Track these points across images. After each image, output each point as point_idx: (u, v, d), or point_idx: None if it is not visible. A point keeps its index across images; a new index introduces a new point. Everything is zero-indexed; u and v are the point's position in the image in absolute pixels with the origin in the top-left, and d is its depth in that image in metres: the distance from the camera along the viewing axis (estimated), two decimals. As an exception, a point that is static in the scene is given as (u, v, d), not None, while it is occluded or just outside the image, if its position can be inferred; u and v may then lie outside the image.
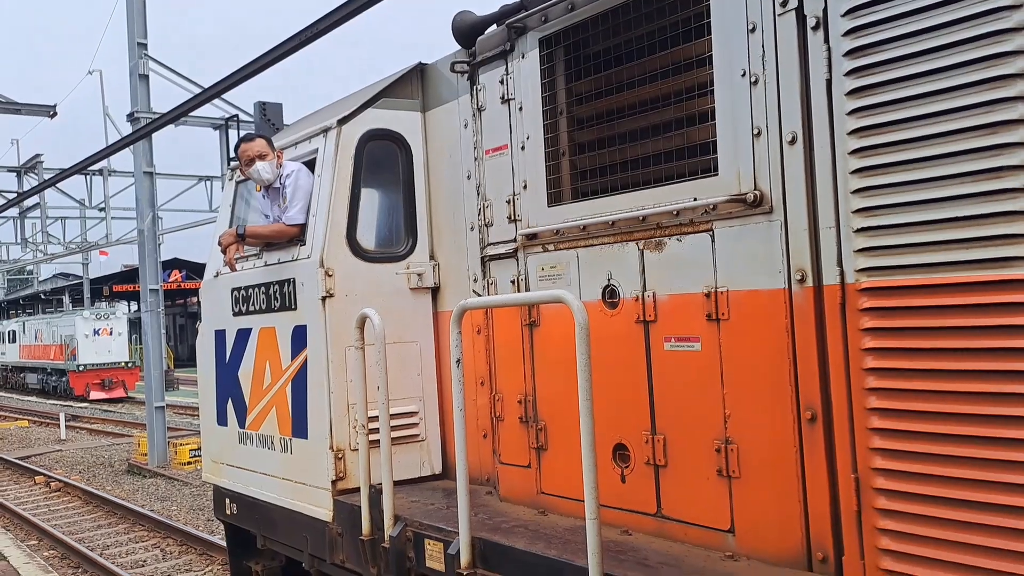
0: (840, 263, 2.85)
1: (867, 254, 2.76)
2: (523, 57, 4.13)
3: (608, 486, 3.71)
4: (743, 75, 3.16)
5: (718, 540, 3.32)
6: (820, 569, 2.97)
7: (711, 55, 3.30)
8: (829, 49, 2.85)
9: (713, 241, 3.31)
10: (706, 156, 3.35)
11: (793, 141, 3.00)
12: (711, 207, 3.28)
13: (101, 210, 28.35)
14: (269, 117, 12.43)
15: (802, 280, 2.98)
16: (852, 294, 2.80)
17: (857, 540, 2.84)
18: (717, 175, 3.28)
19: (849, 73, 2.79)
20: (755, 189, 3.13)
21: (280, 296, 5.04)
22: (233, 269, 5.25)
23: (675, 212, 3.42)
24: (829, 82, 2.86)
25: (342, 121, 4.82)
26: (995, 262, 2.47)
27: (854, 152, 2.78)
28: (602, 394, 3.65)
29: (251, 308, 5.37)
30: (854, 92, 2.77)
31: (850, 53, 2.78)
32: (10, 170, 24.98)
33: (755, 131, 3.13)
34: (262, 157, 4.98)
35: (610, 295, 3.75)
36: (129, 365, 37.09)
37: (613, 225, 3.68)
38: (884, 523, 2.74)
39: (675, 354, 3.47)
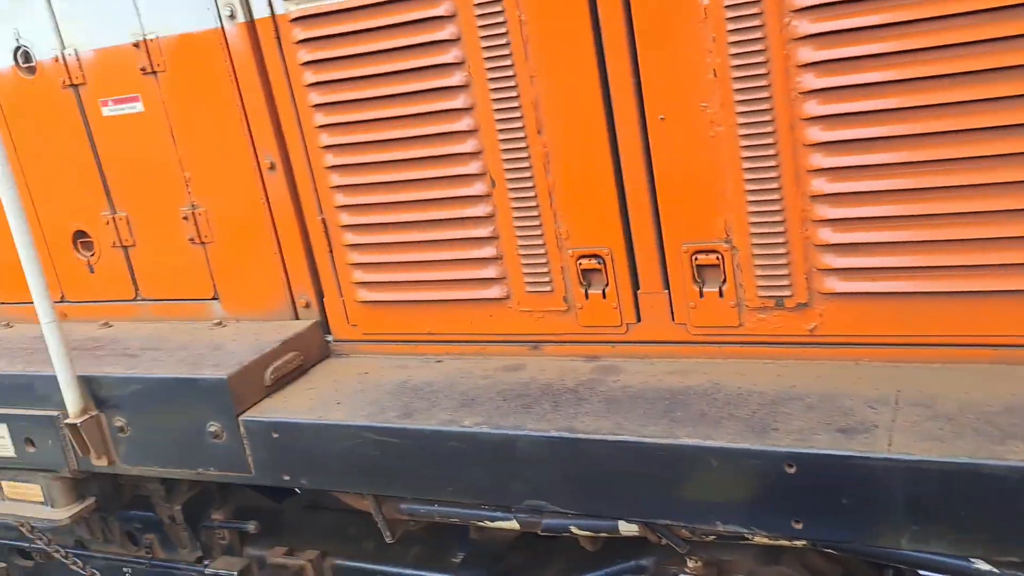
0: None
1: (293, -23, 2.53)
2: None
3: (77, 280, 3.29)
4: None
5: (204, 310, 3.14)
6: (305, 315, 2.96)
7: None
8: None
9: None
10: None
11: None
12: None
13: None
14: None
15: (232, 16, 2.66)
16: (285, 25, 2.57)
17: (334, 279, 2.86)
18: None
19: None
20: None
21: None
22: None
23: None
24: None
25: None
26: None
27: None
28: (44, 177, 3.11)
29: None
30: None
31: None
32: None
33: None
34: None
35: (24, 59, 3.08)
36: None
37: None
38: (354, 257, 2.77)
39: (117, 119, 3.01)
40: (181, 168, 2.96)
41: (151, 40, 2.82)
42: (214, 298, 3.10)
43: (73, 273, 3.28)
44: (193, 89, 2.84)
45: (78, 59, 2.96)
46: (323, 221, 2.79)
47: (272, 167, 2.80)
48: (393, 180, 2.62)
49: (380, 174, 2.63)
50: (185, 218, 3.02)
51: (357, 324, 2.89)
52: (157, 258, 3.15)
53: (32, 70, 3.07)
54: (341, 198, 2.72)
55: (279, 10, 2.56)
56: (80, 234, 3.26)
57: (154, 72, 2.86)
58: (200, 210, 2.99)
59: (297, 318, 2.97)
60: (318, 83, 2.59)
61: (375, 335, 2.88)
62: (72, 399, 2.74)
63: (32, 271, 2.63)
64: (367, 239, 2.74)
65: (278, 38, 2.60)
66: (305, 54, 2.57)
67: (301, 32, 2.55)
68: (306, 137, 2.70)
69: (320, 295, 2.91)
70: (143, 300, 3.23)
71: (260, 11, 2.60)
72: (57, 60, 2.99)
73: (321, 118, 2.64)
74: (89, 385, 2.78)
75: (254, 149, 2.82)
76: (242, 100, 2.76)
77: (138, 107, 2.95)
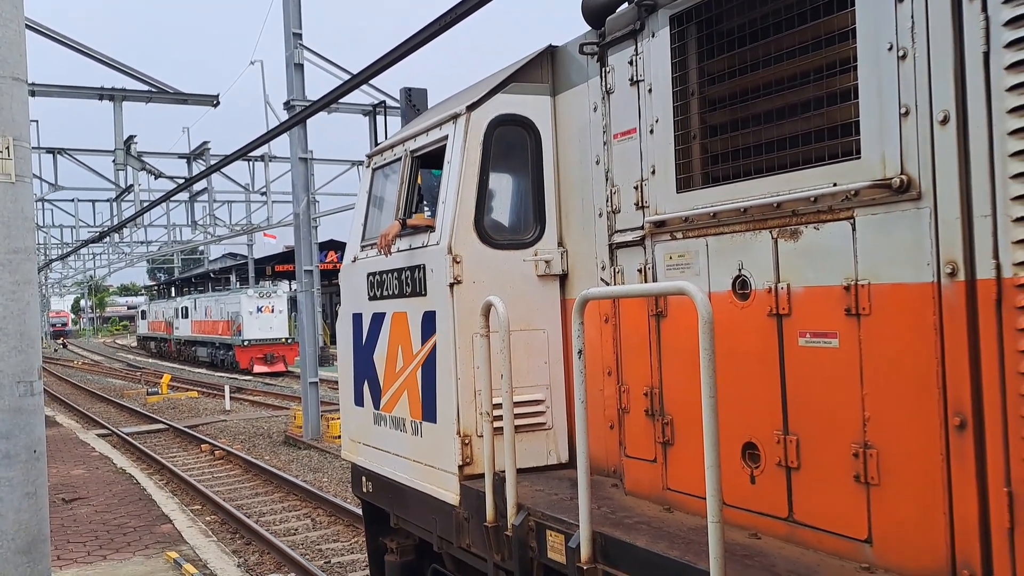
0: (996, 255, 2.57)
1: (1028, 246, 2.48)
2: (653, 36, 3.98)
3: (737, 486, 3.56)
4: (890, 49, 2.91)
5: (854, 550, 3.10)
6: (967, 587, 2.72)
7: (855, 28, 3.06)
8: (987, 18, 2.57)
9: (854, 230, 3.07)
10: (847, 138, 3.11)
11: (945, 121, 2.73)
12: (852, 193, 3.05)
13: (263, 194, 29.95)
14: (414, 103, 12.72)
15: (952, 274, 2.72)
16: (1009, 290, 2.52)
17: (1009, 560, 2.58)
18: (859, 158, 3.04)
19: (1010, 45, 2.50)
20: (901, 174, 2.88)
21: (411, 282, 5.12)
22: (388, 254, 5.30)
23: (812, 199, 3.20)
24: (987, 55, 2.58)
25: (471, 107, 4.81)
26: None
27: (1015, 132, 2.49)
28: (732, 390, 3.50)
29: (385, 293, 5.49)
30: (1015, 66, 2.49)
31: (1011, 23, 2.50)
32: (180, 156, 26.70)
33: (902, 110, 2.87)
34: None
35: (741, 286, 3.57)
36: (289, 341, 39.25)
37: (745, 212, 3.49)
38: (1042, 545, 2.48)
39: (810, 350, 3.26)
40: (862, 406, 3.05)
41: (862, 285, 3.02)
42: (866, 541, 3.05)
43: (735, 479, 3.56)
44: (892, 335, 2.94)
45: (788, 293, 3.32)
46: (1009, 494, 2.57)
47: (961, 425, 2.71)
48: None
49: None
50: (855, 455, 3.07)
51: (1030, 619, 2.53)
52: (817, 486, 3.24)
53: (746, 296, 3.53)
54: (1038, 475, 2.48)
55: (1006, 274, 2.54)
56: (750, 445, 3.54)
57: (857, 315, 3.05)
58: (872, 451, 3.02)
59: (955, 588, 2.74)
60: (1036, 352, 2.46)
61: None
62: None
63: (712, 473, 2.93)
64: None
65: (999, 300, 2.56)
66: (1026, 321, 2.48)
67: (1026, 299, 2.48)
68: (1008, 402, 2.56)
69: (988, 571, 2.65)
70: (794, 522, 3.34)
71: (985, 273, 2.60)
72: (770, 291, 3.40)
73: (1031, 387, 2.48)
74: (734, 589, 2.95)
75: (944, 404, 2.77)
76: (943, 354, 2.76)
77: (834, 343, 3.15)
